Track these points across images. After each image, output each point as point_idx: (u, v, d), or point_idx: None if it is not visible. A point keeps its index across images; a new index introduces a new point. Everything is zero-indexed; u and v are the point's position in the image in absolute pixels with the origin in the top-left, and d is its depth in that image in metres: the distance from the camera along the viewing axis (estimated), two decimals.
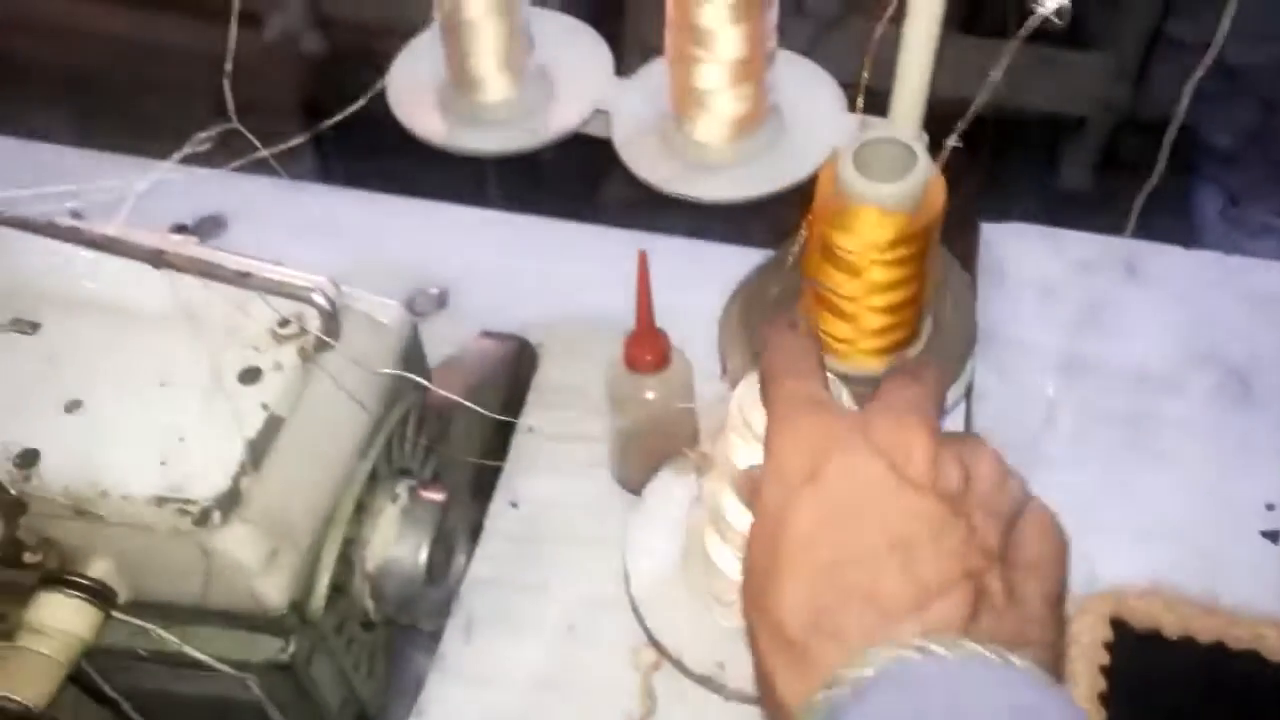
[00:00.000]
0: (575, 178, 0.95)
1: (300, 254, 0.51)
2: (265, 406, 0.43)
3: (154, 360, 0.44)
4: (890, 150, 0.54)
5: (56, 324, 0.45)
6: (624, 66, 0.68)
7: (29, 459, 0.41)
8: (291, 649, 0.46)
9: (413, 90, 0.68)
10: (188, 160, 0.78)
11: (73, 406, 0.43)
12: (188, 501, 0.40)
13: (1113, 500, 0.66)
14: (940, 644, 0.30)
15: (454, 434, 0.61)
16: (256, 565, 0.43)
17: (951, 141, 0.46)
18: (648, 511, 0.56)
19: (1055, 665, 0.34)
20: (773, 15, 0.59)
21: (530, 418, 0.71)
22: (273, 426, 0.43)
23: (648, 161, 0.64)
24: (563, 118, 0.66)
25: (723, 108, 0.62)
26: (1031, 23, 0.37)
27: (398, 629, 0.58)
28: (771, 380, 0.39)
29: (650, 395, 0.62)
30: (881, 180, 0.52)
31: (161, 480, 0.41)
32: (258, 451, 0.42)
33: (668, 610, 0.54)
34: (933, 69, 0.57)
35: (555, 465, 0.69)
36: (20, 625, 0.42)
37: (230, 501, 0.41)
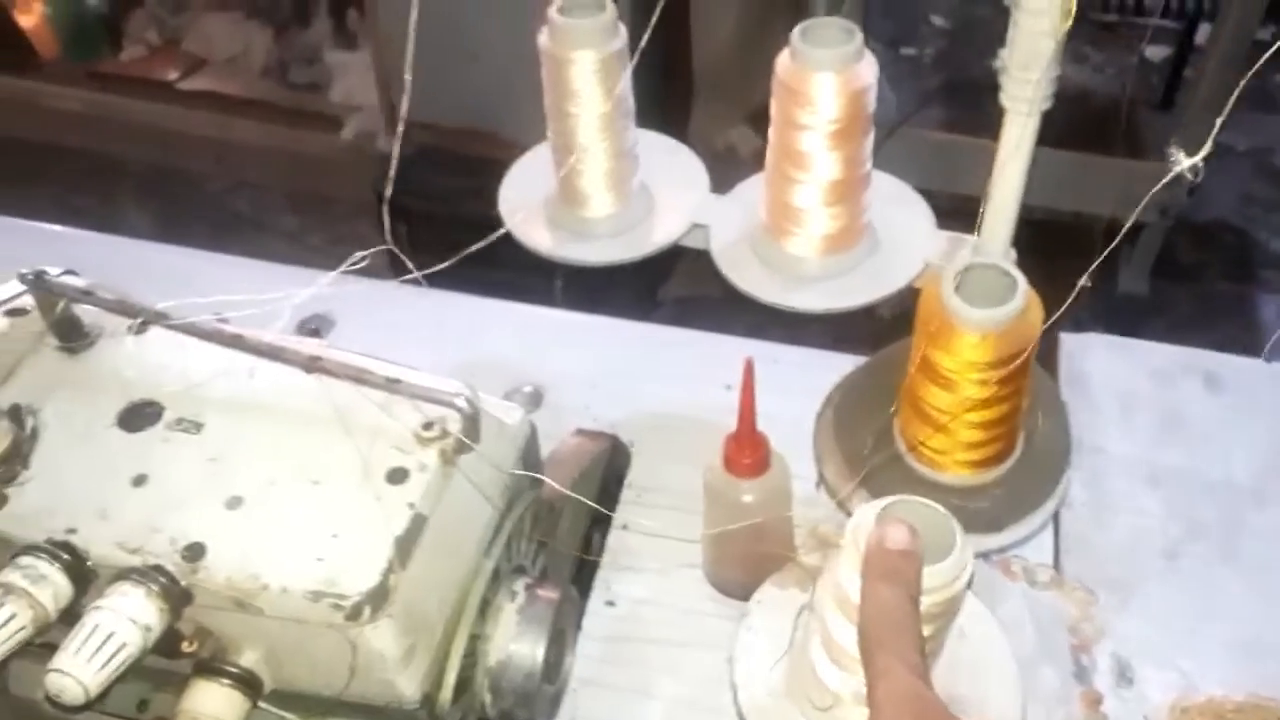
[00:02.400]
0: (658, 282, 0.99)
1: (403, 353, 0.53)
2: (411, 506, 0.46)
3: (308, 460, 0.47)
4: (990, 274, 0.57)
5: (218, 424, 0.48)
6: None
7: (196, 552, 0.44)
8: None
9: (523, 204, 0.72)
10: (290, 259, 0.82)
11: (234, 503, 0.46)
12: (341, 596, 0.43)
13: (1205, 612, 0.66)
14: None
15: (560, 531, 0.63)
16: (397, 659, 0.45)
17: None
18: (754, 622, 0.58)
19: None
20: (869, 142, 0.63)
21: (624, 516, 0.73)
22: (417, 525, 0.46)
23: (744, 272, 0.67)
24: (664, 231, 0.70)
25: (817, 225, 0.66)
26: (1167, 178, 0.39)
27: None
28: (871, 649, 0.42)
29: (747, 499, 0.63)
30: (982, 302, 0.55)
31: (317, 575, 0.43)
32: (404, 549, 0.45)
33: None
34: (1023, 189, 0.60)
35: (649, 565, 0.71)
36: (176, 713, 0.44)
37: (379, 597, 0.43)
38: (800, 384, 0.74)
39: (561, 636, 0.55)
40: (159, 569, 0.43)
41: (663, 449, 0.77)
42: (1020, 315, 0.55)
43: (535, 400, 0.79)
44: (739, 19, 1.87)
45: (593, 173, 0.69)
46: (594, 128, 0.67)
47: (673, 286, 1.95)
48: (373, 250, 0.50)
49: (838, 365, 0.78)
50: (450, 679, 0.49)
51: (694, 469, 0.76)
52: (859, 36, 0.58)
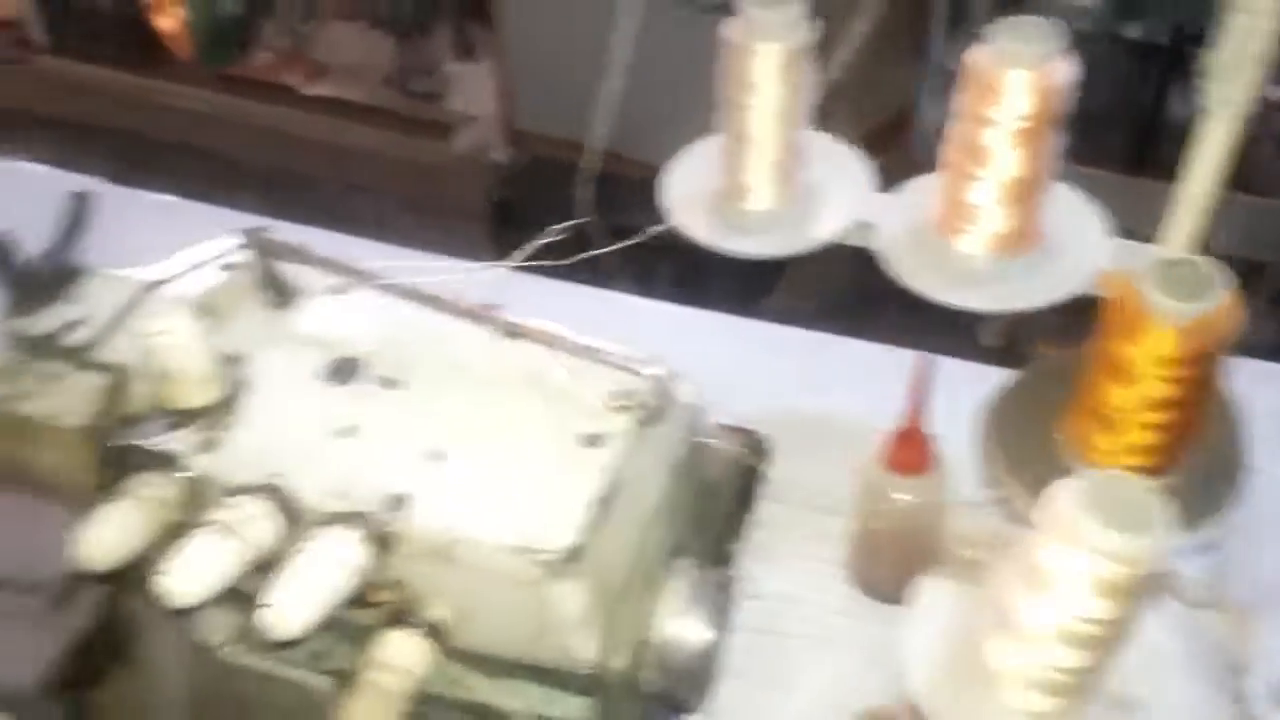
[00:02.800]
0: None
1: None
2: (606, 470, 0.46)
3: (506, 420, 0.48)
4: (1185, 270, 0.55)
5: (419, 382, 0.49)
6: None
7: (399, 502, 0.45)
8: (592, 708, 0.48)
9: (687, 195, 0.73)
10: (460, 253, 0.83)
11: (435, 457, 0.47)
12: (540, 552, 0.43)
13: None
14: None
15: (714, 515, 0.63)
16: (581, 621, 0.45)
17: None
18: (917, 611, 0.57)
19: None
20: (1054, 144, 0.62)
21: (763, 511, 0.73)
22: (612, 490, 0.46)
23: (912, 269, 0.66)
24: (827, 226, 0.70)
25: (991, 223, 0.65)
26: None
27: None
28: None
29: (903, 498, 0.63)
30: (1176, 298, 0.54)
31: (516, 530, 0.44)
32: (599, 512, 0.45)
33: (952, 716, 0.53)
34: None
35: (790, 561, 0.71)
36: (365, 663, 0.45)
37: (575, 556, 0.44)
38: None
39: (725, 620, 0.55)
40: (365, 516, 0.44)
41: (800, 448, 0.76)
42: (1218, 311, 0.53)
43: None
44: (860, 46, 1.87)
45: (761, 166, 0.69)
46: (769, 121, 0.67)
47: (775, 299, 1.95)
48: (571, 224, 0.51)
49: (983, 375, 0.78)
50: (625, 649, 0.49)
51: (830, 468, 0.76)
52: (1058, 36, 0.58)
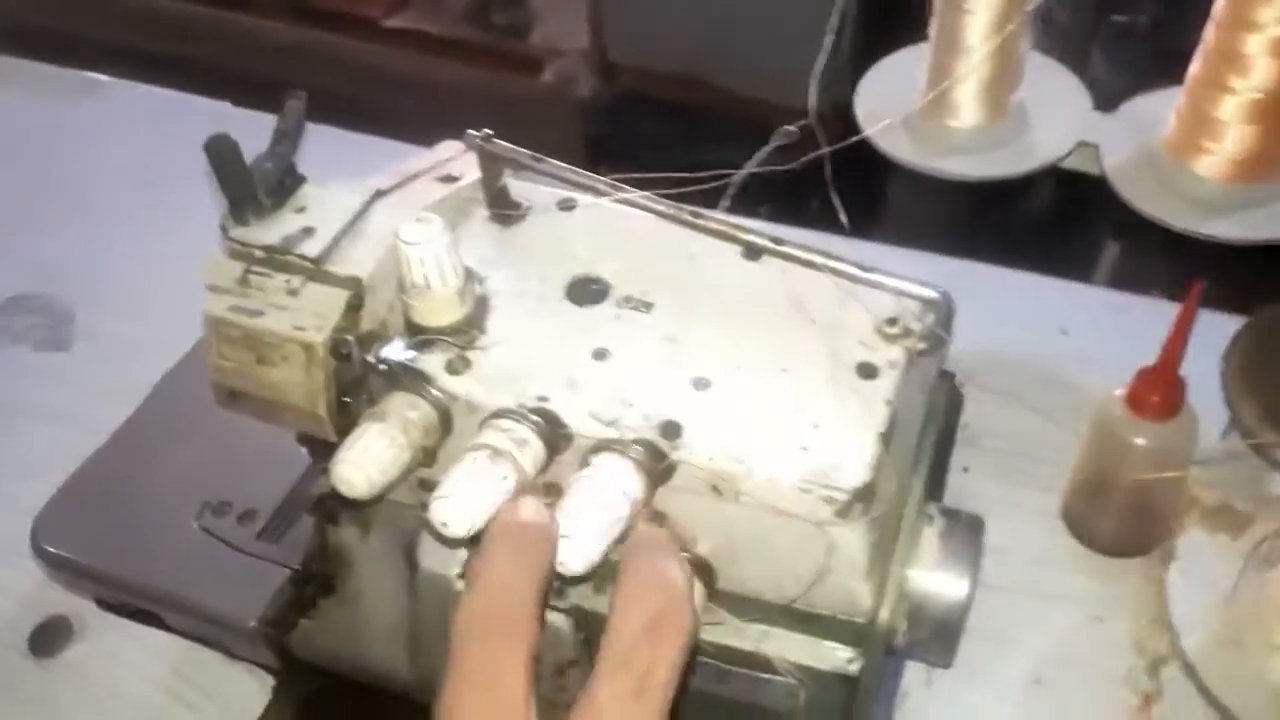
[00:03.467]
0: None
1: None
2: (889, 403, 0.42)
3: (769, 346, 0.44)
4: None
5: (668, 304, 0.46)
6: None
7: (672, 430, 0.41)
8: (861, 661, 0.44)
9: (881, 114, 0.68)
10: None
11: (701, 384, 0.43)
12: (834, 490, 0.39)
13: None
14: None
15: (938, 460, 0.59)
16: (865, 566, 0.42)
17: None
18: (1185, 565, 0.53)
19: None
20: None
21: (963, 458, 0.69)
22: (894, 424, 0.42)
23: (1144, 195, 0.61)
24: (1048, 148, 0.64)
25: (1239, 142, 0.60)
26: None
27: None
28: (465, 640, 0.33)
29: (1142, 443, 0.58)
30: None
31: (804, 466, 0.40)
32: (884, 449, 0.41)
33: (1231, 672, 0.49)
34: None
35: (996, 510, 0.67)
36: None
37: (867, 496, 0.40)
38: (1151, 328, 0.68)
39: (978, 572, 0.51)
40: (642, 442, 0.40)
41: (996, 392, 0.72)
42: None
43: None
44: None
45: (974, 81, 0.64)
46: (986, 30, 0.62)
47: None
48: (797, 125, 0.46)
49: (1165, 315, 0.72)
50: (891, 597, 0.45)
51: (1030, 414, 0.71)
52: None
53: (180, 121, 0.99)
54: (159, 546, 0.51)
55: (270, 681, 0.59)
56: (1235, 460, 0.58)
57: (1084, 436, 0.60)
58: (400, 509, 0.46)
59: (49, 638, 0.61)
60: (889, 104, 0.68)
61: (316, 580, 0.51)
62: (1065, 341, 0.75)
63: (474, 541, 0.38)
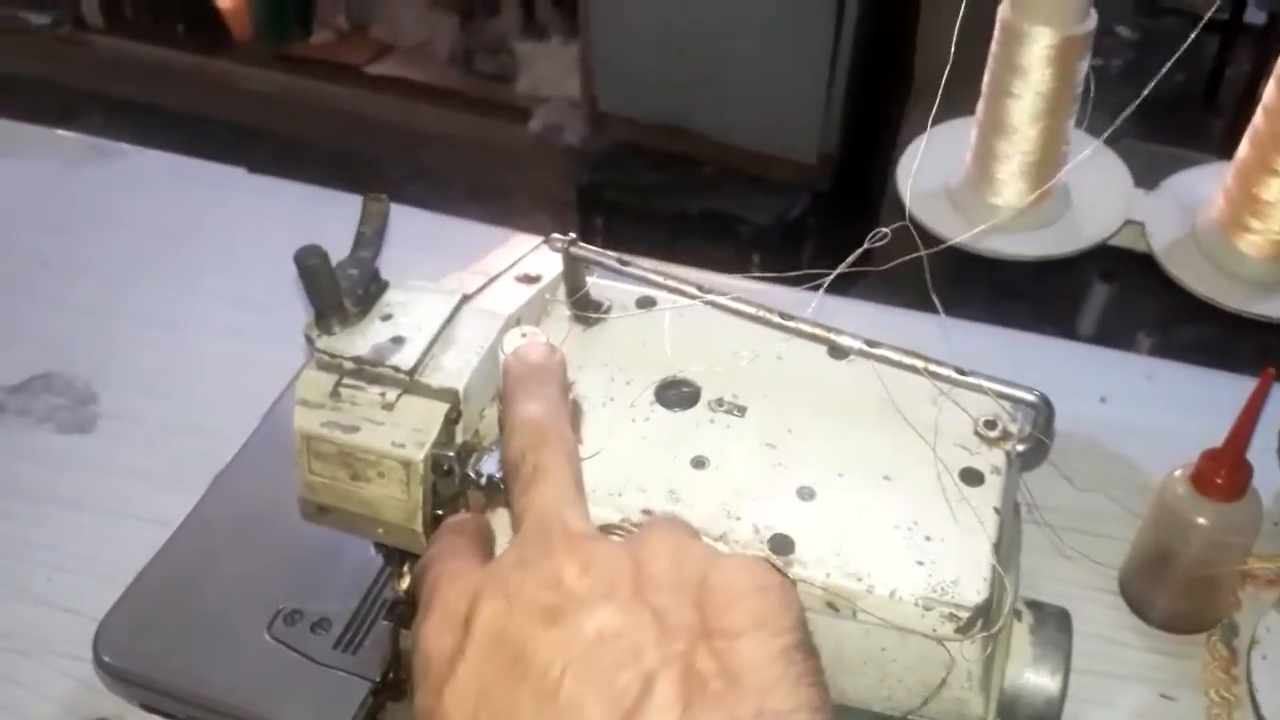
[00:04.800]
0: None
1: None
2: (997, 511, 0.42)
3: (870, 452, 0.44)
4: None
5: (762, 407, 0.45)
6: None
7: (784, 545, 0.40)
8: None
9: (926, 194, 0.68)
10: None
11: (805, 494, 0.42)
12: (957, 607, 0.39)
13: None
14: None
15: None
16: (981, 677, 0.41)
17: None
18: (1268, 650, 0.53)
19: None
20: None
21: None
22: (1002, 531, 0.42)
23: (1190, 271, 0.62)
24: (1095, 226, 0.65)
25: None
26: None
27: None
28: (526, 456, 0.35)
29: (1204, 522, 0.59)
30: None
31: (923, 581, 0.40)
32: (999, 558, 0.41)
33: None
34: None
35: (1060, 589, 0.67)
36: None
37: (986, 610, 0.40)
38: (1194, 401, 0.69)
39: (1069, 664, 0.51)
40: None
41: (1045, 465, 0.72)
42: None
43: None
44: (965, 24, 1.82)
45: (1019, 160, 0.65)
46: (1033, 111, 0.63)
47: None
48: (893, 226, 0.46)
49: (1224, 384, 0.73)
50: (994, 699, 0.45)
51: (1079, 486, 0.71)
52: None
53: (192, 188, 0.98)
54: (229, 658, 0.49)
55: None
56: None
57: (1146, 514, 0.61)
58: None
59: None
60: (929, 182, 0.69)
61: (390, 688, 0.50)
62: (1105, 410, 0.76)
63: None
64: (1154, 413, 0.73)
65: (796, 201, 1.86)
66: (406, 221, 0.94)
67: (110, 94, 2.29)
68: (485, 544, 0.38)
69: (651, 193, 2.08)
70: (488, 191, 2.34)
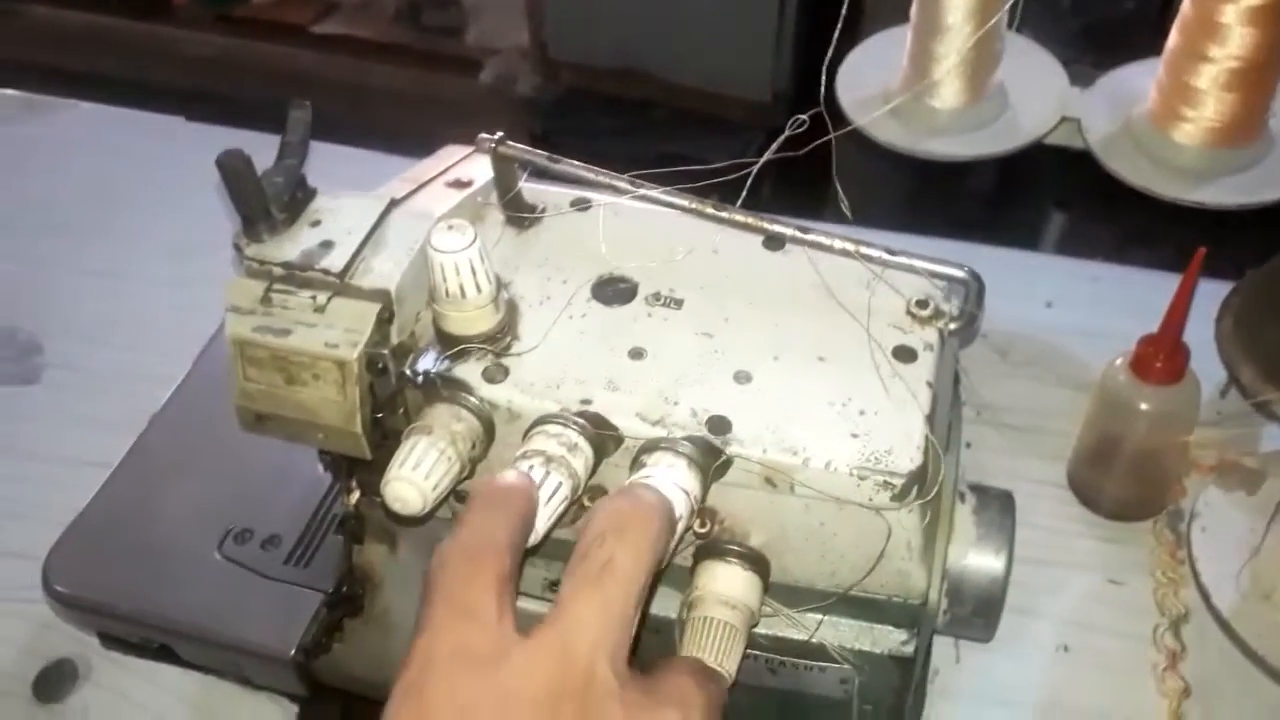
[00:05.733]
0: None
1: None
2: (930, 385, 0.42)
3: (803, 335, 0.44)
4: None
5: (697, 300, 0.45)
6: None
7: (721, 425, 0.41)
8: (915, 641, 0.45)
9: (865, 100, 0.68)
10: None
11: (742, 378, 0.42)
12: (891, 474, 0.40)
13: None
14: None
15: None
16: (920, 547, 0.42)
17: None
18: (1206, 523, 0.54)
19: None
20: None
21: (966, 433, 0.70)
22: (935, 405, 0.42)
23: (1129, 165, 0.63)
24: (1032, 124, 0.65)
25: (1218, 110, 0.61)
26: None
27: None
28: (438, 584, 0.34)
29: (1145, 408, 0.60)
30: None
31: (857, 452, 0.40)
32: (931, 429, 0.41)
33: (1265, 625, 0.51)
34: None
35: (1003, 483, 0.68)
36: (694, 599, 0.41)
37: (920, 478, 0.40)
38: (1139, 302, 0.70)
39: (1012, 546, 0.52)
40: (694, 439, 0.40)
41: (992, 367, 0.73)
42: None
43: None
44: None
45: (954, 60, 0.65)
46: (966, 8, 0.63)
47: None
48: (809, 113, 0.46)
49: (1168, 285, 0.74)
50: (938, 576, 0.45)
51: (1025, 385, 0.72)
52: None
53: (131, 139, 0.96)
54: (181, 579, 0.49)
55: (293, 708, 0.57)
56: (1235, 420, 0.59)
57: (1088, 404, 0.62)
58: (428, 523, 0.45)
59: (54, 682, 0.59)
60: (869, 89, 0.69)
61: (346, 602, 0.50)
62: (1050, 314, 0.77)
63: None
64: (1099, 315, 0.74)
65: (752, 140, 1.86)
66: (344, 163, 0.93)
67: (45, 63, 2.23)
68: (523, 526, 0.36)
69: (606, 138, 2.07)
70: (441, 146, 2.31)
